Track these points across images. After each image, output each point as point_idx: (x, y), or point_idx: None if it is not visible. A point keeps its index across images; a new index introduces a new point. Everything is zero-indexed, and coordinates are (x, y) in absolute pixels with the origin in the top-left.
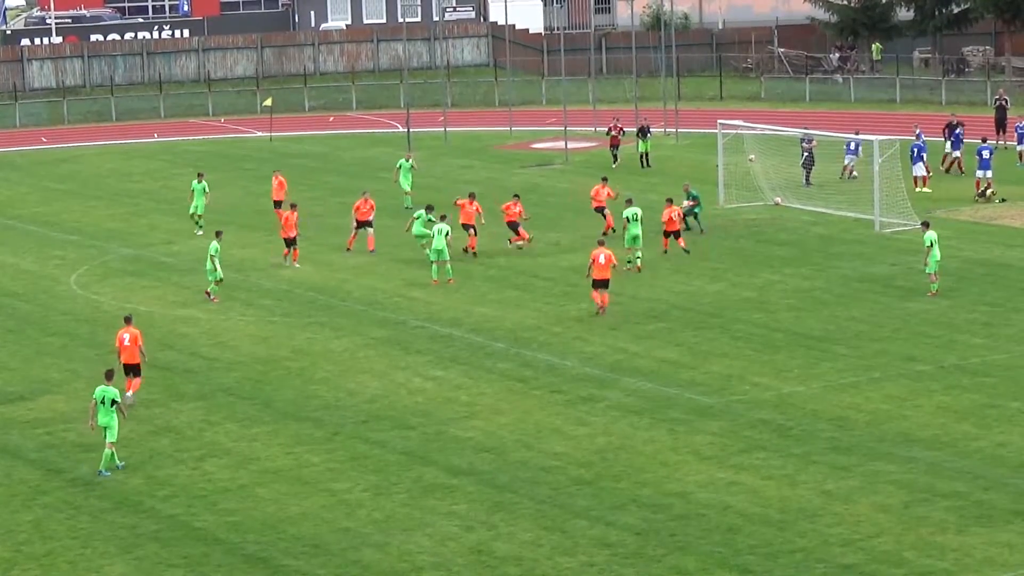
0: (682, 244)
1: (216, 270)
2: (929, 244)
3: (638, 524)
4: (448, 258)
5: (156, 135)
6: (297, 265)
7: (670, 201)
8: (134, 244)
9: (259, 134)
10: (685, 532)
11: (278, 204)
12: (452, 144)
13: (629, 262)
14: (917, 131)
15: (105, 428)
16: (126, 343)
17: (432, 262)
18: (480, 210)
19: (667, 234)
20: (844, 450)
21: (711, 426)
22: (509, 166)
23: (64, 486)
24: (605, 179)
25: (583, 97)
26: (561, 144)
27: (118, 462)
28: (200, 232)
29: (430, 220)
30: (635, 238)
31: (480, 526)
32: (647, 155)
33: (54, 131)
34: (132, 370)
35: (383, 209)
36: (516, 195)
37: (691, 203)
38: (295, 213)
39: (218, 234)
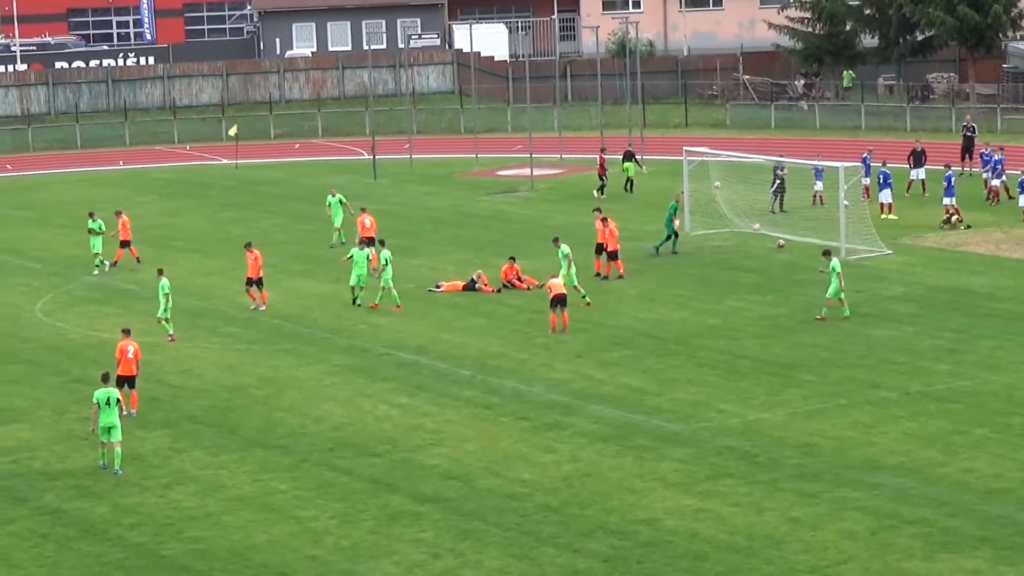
0: (620, 268)
1: (167, 307)
2: (834, 271)
3: (605, 551)
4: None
5: (121, 162)
6: (264, 307)
7: (604, 220)
8: (103, 273)
9: (224, 161)
10: (652, 559)
11: (370, 242)
12: (417, 171)
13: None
14: (864, 156)
15: (110, 428)
16: (130, 355)
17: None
18: (520, 275)
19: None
20: (811, 477)
21: (678, 453)
22: (474, 193)
23: (30, 514)
24: (601, 214)
25: (548, 124)
26: (526, 171)
27: (119, 469)
28: (97, 272)
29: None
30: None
31: (447, 553)
32: (632, 180)
33: (18, 158)
34: (128, 382)
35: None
36: (512, 256)
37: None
38: (255, 252)
39: (160, 272)
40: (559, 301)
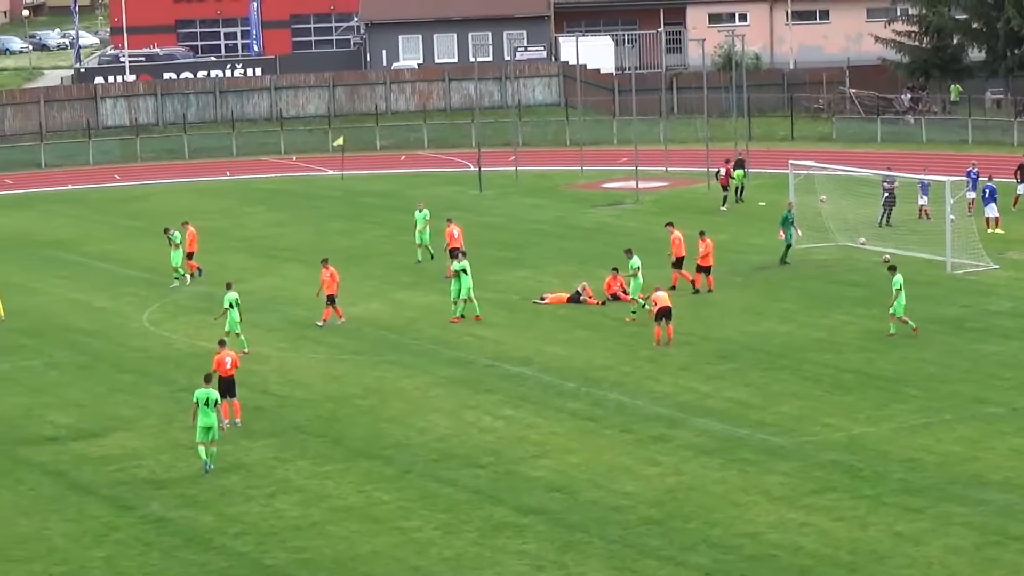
0: (710, 283)
1: (234, 324)
2: (898, 287)
3: (708, 564)
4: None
5: (228, 173)
6: (342, 320)
7: (702, 233)
8: (205, 282)
9: (330, 172)
10: (756, 573)
11: (453, 253)
12: (522, 183)
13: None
14: (970, 170)
15: (208, 428)
16: (227, 366)
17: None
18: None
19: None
20: (915, 491)
21: (782, 466)
22: (579, 206)
23: (135, 523)
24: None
25: (654, 137)
26: (632, 184)
27: (210, 463)
28: (176, 284)
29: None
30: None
31: (550, 565)
32: (742, 188)
33: (127, 168)
34: (229, 389)
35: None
36: (615, 268)
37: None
38: (330, 268)
39: (229, 286)
40: (664, 314)
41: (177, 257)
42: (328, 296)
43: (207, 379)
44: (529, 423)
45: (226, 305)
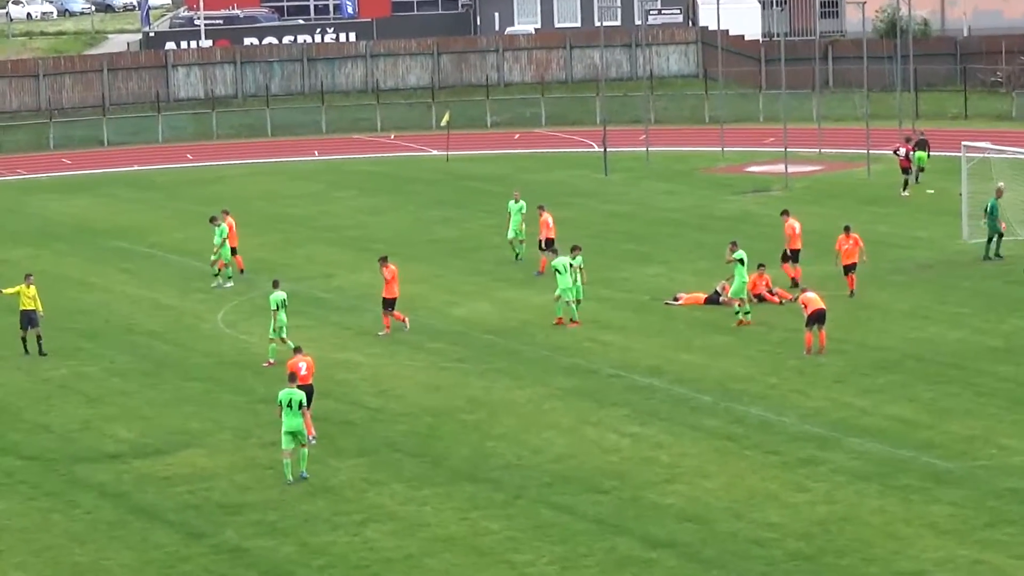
0: (851, 284)
1: (281, 327)
2: None
3: None
4: (575, 297)
5: (316, 153)
6: (407, 327)
7: (847, 228)
8: (288, 277)
9: (434, 152)
10: None
11: (549, 244)
12: (654, 166)
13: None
14: None
15: (295, 434)
16: (303, 371)
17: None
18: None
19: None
20: None
21: (951, 495)
22: (720, 192)
23: (206, 552)
24: (789, 216)
25: (806, 113)
26: (780, 167)
27: (304, 472)
28: (222, 283)
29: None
30: None
31: None
32: (922, 171)
33: (200, 147)
34: (308, 397)
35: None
36: (761, 265)
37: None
38: (391, 267)
39: (276, 284)
40: (816, 318)
41: (227, 252)
42: (385, 300)
43: (292, 378)
44: (659, 442)
45: (273, 307)
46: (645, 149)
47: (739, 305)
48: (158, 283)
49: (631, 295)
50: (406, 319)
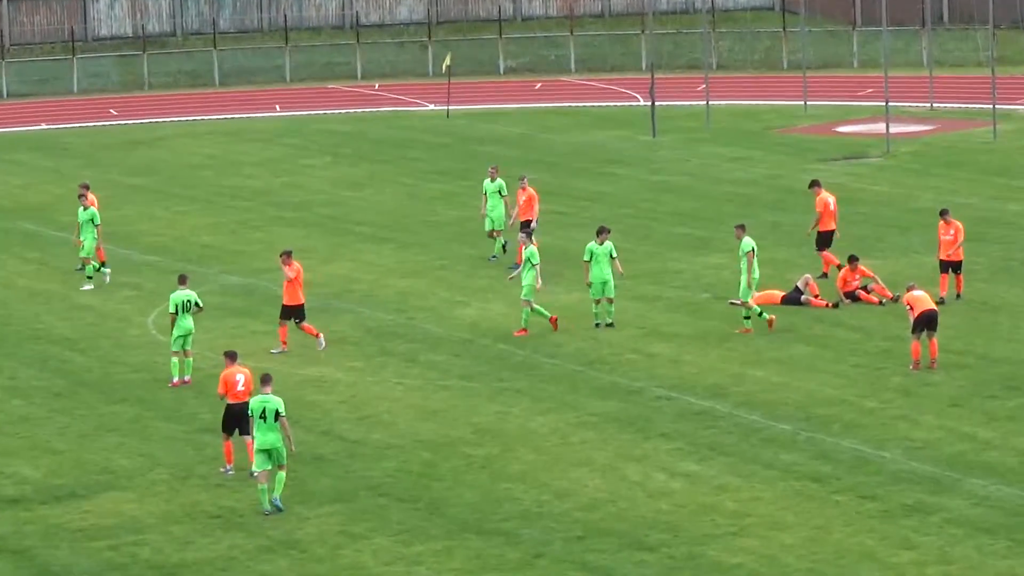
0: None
1: (185, 334)
2: None
3: None
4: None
5: (278, 107)
6: (323, 344)
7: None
8: (243, 269)
9: (431, 107)
10: None
11: (526, 226)
12: (716, 125)
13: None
14: None
15: (269, 451)
16: (240, 387)
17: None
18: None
19: (944, 266)
20: None
21: None
22: (801, 158)
23: None
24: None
25: (913, 57)
26: (880, 127)
27: (278, 499)
28: (87, 285)
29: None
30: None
31: None
32: None
33: (129, 100)
34: (240, 426)
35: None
36: (854, 256)
37: None
38: (294, 265)
39: (182, 279)
40: (926, 322)
41: (89, 239)
42: (286, 308)
43: (264, 380)
44: (721, 484)
45: (172, 309)
46: (705, 103)
47: (747, 308)
48: (73, 276)
49: (686, 292)
50: (320, 335)
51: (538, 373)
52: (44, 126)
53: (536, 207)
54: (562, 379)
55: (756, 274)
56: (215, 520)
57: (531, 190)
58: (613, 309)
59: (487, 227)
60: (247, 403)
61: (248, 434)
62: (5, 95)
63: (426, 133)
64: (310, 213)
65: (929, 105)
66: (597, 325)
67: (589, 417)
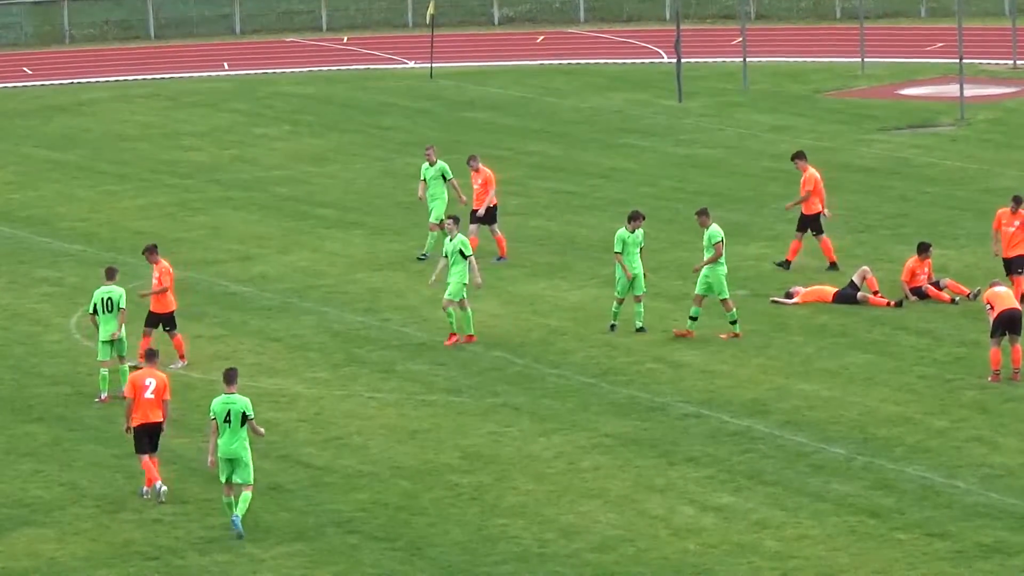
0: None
1: (117, 339)
2: None
3: None
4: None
5: (226, 65)
6: (181, 364)
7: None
8: (184, 260)
9: (410, 65)
10: None
11: (479, 216)
12: (755, 86)
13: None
14: None
15: (232, 461)
16: (148, 394)
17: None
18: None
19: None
20: None
21: None
22: (856, 127)
23: None
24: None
25: (993, 5)
26: (952, 89)
27: (239, 520)
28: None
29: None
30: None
31: None
32: None
33: (45, 56)
34: (151, 439)
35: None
36: (926, 245)
37: None
38: (163, 263)
39: (110, 273)
40: (1007, 324)
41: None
42: (153, 315)
43: (228, 378)
44: (761, 518)
45: (91, 308)
46: (741, 60)
47: (728, 310)
48: None
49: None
50: (185, 354)
51: (540, 386)
52: None
53: (492, 191)
54: (569, 393)
55: (725, 268)
56: (151, 563)
57: (487, 171)
58: (642, 310)
59: (432, 219)
60: (161, 423)
61: (156, 451)
62: None
63: (404, 97)
64: (264, 193)
65: (1011, 63)
66: (613, 327)
67: (602, 439)
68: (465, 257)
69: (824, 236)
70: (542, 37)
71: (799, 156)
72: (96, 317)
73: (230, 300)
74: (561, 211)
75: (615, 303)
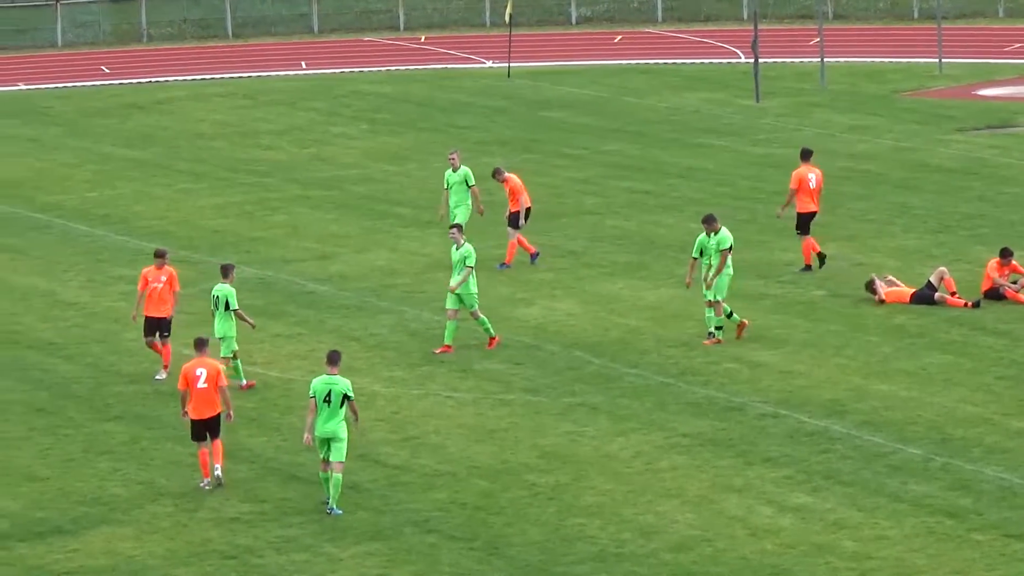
0: None
1: (232, 338)
2: None
3: None
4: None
5: (304, 64)
6: (161, 376)
7: None
8: (261, 259)
9: (488, 64)
10: None
11: (516, 220)
12: (833, 86)
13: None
14: None
15: (328, 441)
16: (200, 384)
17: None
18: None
19: None
20: None
21: None
22: (934, 128)
23: None
24: None
25: None
26: None
27: (335, 504)
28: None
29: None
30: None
31: None
32: None
33: (123, 55)
34: (209, 429)
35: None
36: (1009, 251)
37: None
38: (168, 268)
39: (226, 271)
40: None
41: None
42: (151, 320)
43: (331, 359)
44: (839, 519)
45: (215, 305)
46: (819, 60)
47: (715, 313)
48: (57, 268)
49: (797, 289)
50: (168, 363)
51: (617, 386)
52: (21, 86)
53: (523, 195)
54: (647, 393)
55: (731, 271)
56: (229, 562)
57: (514, 179)
58: (714, 315)
59: (452, 220)
60: (217, 416)
61: (217, 436)
62: None
63: (481, 96)
64: (341, 192)
65: None
66: (717, 331)
67: (680, 439)
68: (469, 267)
69: (805, 236)
70: (619, 37)
71: (805, 153)
72: (218, 313)
73: (308, 299)
74: (638, 211)
75: (707, 308)
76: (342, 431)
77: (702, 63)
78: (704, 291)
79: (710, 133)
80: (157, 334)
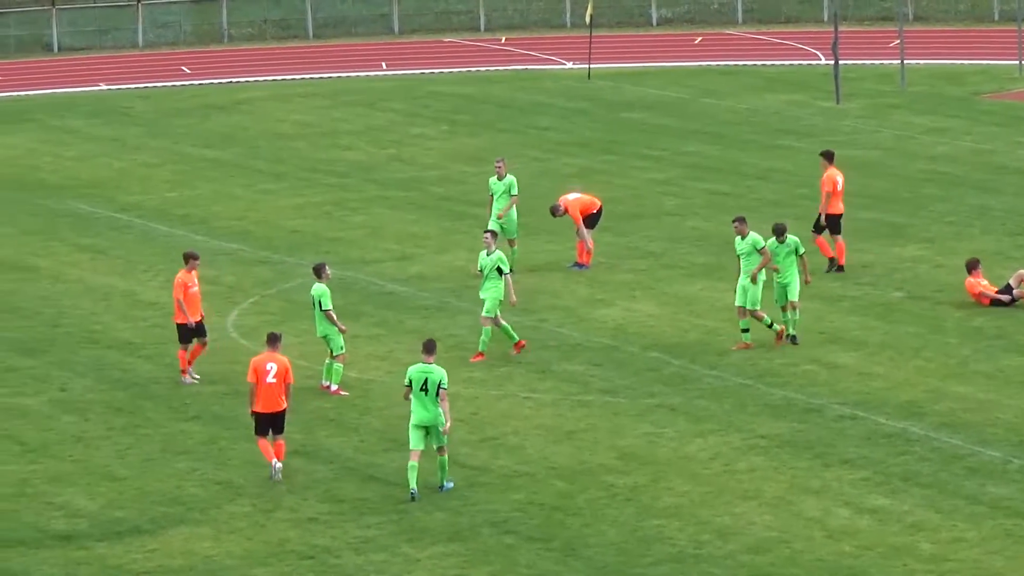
0: None
1: (336, 335)
2: None
3: None
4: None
5: (384, 65)
6: (191, 379)
7: None
8: (341, 260)
9: (568, 65)
10: None
11: (593, 221)
12: (913, 87)
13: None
14: None
15: (427, 428)
16: (270, 378)
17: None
18: None
19: None
20: None
21: None
22: (1014, 130)
23: None
24: None
25: None
26: None
27: (446, 480)
28: None
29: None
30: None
31: None
32: None
33: (203, 56)
34: (274, 424)
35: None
36: None
37: None
38: (193, 273)
39: (319, 271)
40: None
41: None
42: (183, 328)
43: (427, 348)
44: (917, 520)
45: (313, 305)
46: (899, 62)
47: (745, 318)
48: (136, 268)
49: (875, 291)
50: (191, 367)
51: (696, 387)
52: (103, 86)
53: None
54: (725, 395)
55: (764, 276)
56: (306, 562)
57: (571, 204)
58: (796, 318)
59: (507, 236)
60: (282, 412)
61: (281, 432)
62: (57, 49)
63: (561, 97)
64: (421, 192)
65: None
66: (792, 338)
67: (758, 440)
68: (502, 274)
69: (838, 237)
70: (700, 38)
71: (826, 155)
72: (318, 311)
73: (387, 300)
74: (717, 211)
75: (782, 312)
76: (440, 419)
77: (782, 64)
78: (739, 297)
79: (789, 135)
80: (197, 338)
